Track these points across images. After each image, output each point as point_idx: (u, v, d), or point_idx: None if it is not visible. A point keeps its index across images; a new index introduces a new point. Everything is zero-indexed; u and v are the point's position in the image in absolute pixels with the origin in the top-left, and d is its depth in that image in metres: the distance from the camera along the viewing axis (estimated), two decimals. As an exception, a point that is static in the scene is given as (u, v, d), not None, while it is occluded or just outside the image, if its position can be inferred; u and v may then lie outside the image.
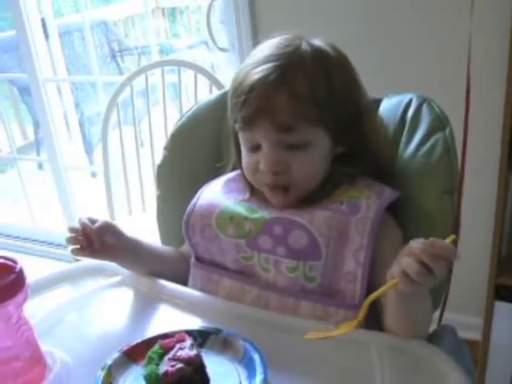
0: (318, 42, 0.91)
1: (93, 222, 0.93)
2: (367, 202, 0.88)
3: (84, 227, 0.91)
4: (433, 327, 0.99)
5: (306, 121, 0.86)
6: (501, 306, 1.64)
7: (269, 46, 0.90)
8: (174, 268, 1.04)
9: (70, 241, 0.92)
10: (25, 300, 0.73)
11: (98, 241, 0.91)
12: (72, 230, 0.92)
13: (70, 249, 0.92)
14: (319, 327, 0.81)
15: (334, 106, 0.87)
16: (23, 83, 3.58)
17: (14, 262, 0.73)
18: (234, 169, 1.03)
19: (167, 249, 1.09)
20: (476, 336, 1.68)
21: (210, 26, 1.94)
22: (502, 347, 1.70)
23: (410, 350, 0.79)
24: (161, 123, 1.93)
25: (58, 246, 2.81)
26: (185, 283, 1.00)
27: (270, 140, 0.87)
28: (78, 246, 0.92)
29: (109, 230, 0.94)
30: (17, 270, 0.72)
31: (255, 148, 0.90)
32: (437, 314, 1.00)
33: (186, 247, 1.05)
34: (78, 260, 1.76)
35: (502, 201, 1.53)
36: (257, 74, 0.86)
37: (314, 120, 0.86)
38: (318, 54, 0.88)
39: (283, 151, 0.88)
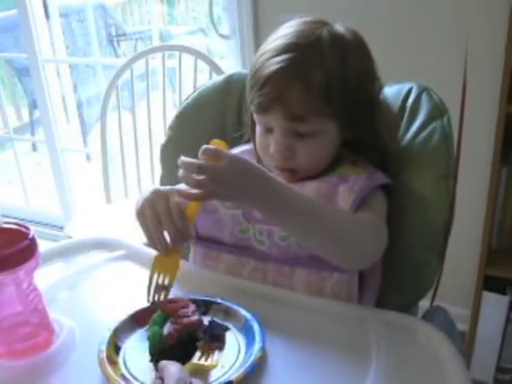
0: (339, 28, 0.91)
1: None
2: (356, 178, 0.92)
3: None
4: (425, 308, 1.03)
5: (318, 114, 0.89)
6: (488, 297, 1.68)
7: (291, 32, 0.90)
8: None
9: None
10: (36, 267, 0.75)
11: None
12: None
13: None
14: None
15: (348, 98, 0.89)
16: (19, 64, 3.57)
17: (27, 228, 0.75)
18: (248, 140, 1.06)
19: None
20: (462, 326, 1.71)
21: (212, 13, 1.96)
22: (488, 337, 1.73)
23: (405, 325, 0.82)
24: (158, 108, 1.95)
25: (53, 226, 2.83)
26: None
27: (281, 127, 0.91)
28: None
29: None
30: (30, 236, 0.74)
31: (268, 130, 0.94)
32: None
33: None
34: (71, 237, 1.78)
35: (494, 193, 1.56)
36: (275, 64, 0.87)
37: (326, 113, 0.89)
38: (337, 42, 0.89)
39: (292, 138, 0.91)
